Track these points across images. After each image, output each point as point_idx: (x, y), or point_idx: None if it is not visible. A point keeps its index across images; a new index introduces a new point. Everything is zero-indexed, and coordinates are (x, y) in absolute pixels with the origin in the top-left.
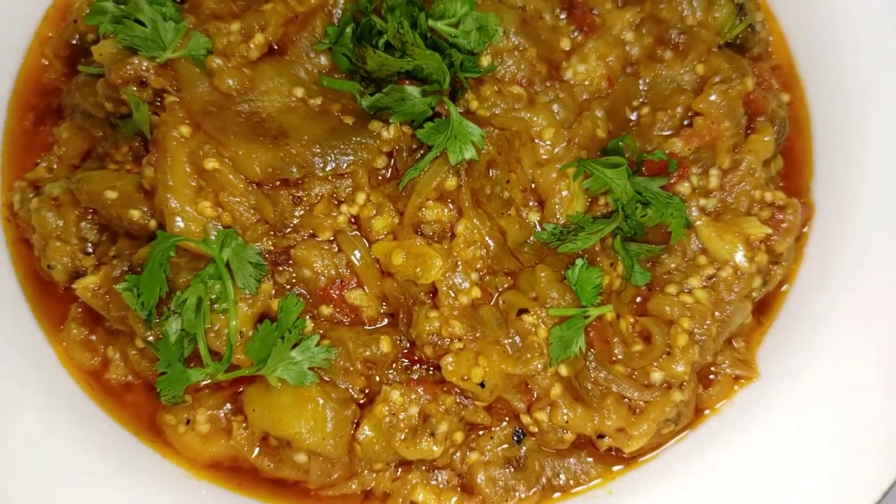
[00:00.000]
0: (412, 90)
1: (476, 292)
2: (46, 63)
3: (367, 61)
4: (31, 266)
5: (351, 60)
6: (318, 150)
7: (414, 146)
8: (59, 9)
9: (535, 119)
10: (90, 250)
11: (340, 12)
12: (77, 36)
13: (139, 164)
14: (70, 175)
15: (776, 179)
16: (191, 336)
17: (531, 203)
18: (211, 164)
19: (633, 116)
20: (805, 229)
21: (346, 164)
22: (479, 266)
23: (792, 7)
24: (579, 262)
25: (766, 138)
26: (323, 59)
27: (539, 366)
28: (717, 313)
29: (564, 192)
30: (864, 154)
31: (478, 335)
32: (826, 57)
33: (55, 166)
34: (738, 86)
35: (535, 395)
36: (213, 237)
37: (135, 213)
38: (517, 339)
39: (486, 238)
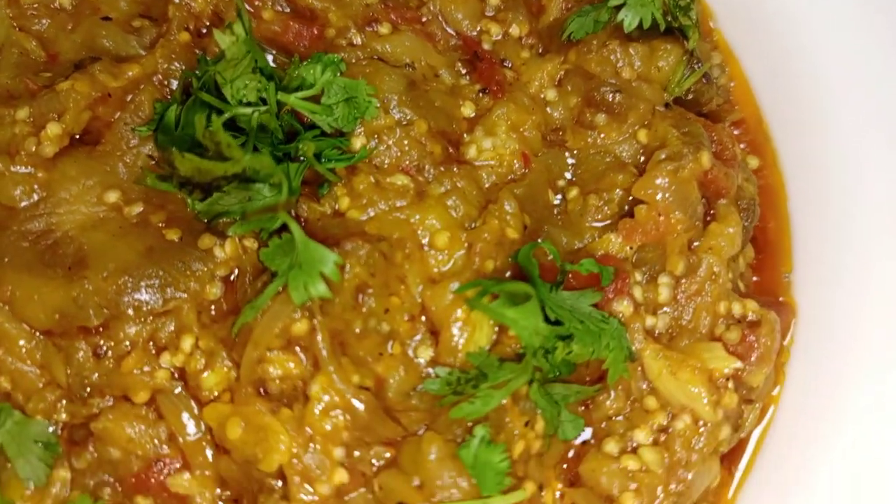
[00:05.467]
0: (261, 187)
1: (341, 476)
2: None
3: (177, 166)
4: None
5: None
6: (127, 284)
7: (262, 266)
8: None
9: (423, 221)
10: None
11: (176, 82)
12: None
13: None
14: None
15: (746, 275)
16: None
17: (420, 336)
18: None
19: (559, 200)
20: (786, 341)
21: (164, 301)
22: (344, 438)
23: (756, 44)
24: (478, 433)
25: (729, 229)
26: (151, 148)
27: None
28: (672, 485)
29: (461, 323)
30: (854, 233)
31: None
32: (801, 108)
33: None
34: (690, 163)
35: None
36: None
37: None
38: None
39: (352, 400)
